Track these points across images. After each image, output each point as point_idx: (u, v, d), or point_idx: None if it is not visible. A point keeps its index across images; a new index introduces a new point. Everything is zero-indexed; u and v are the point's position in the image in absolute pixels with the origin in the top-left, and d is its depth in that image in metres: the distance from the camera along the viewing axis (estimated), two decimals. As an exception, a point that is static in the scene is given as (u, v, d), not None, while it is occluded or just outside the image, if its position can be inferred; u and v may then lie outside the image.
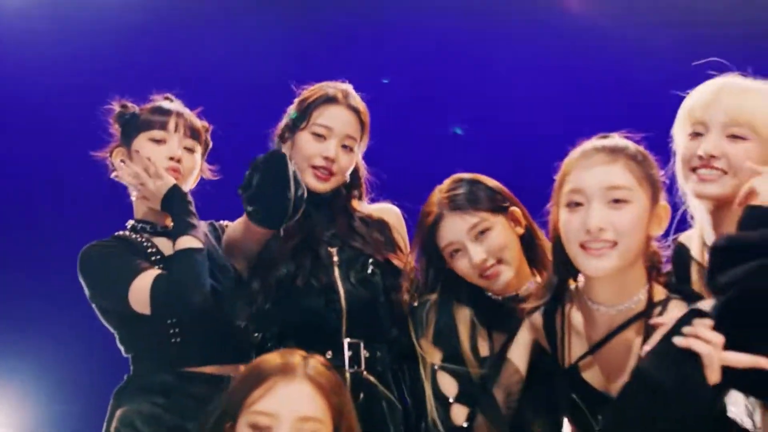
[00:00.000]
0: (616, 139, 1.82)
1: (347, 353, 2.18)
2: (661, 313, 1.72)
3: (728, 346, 1.49)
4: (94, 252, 2.23)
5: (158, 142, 2.31)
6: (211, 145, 2.47)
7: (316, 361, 1.71)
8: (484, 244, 2.08)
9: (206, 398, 1.92)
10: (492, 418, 1.99)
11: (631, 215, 1.70)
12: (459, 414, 2.07)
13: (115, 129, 2.39)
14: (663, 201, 1.80)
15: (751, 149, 1.80)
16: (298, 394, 1.63)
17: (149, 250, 2.25)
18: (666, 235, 1.89)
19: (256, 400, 1.61)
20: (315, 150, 2.27)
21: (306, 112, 2.29)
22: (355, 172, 2.41)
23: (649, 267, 1.79)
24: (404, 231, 2.42)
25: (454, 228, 2.10)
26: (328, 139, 2.27)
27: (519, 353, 1.99)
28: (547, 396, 1.96)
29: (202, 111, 2.42)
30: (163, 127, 2.31)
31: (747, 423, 1.65)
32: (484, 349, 2.14)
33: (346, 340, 2.19)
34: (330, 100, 2.30)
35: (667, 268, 1.91)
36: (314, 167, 2.26)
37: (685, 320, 1.55)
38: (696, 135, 1.88)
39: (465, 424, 2.05)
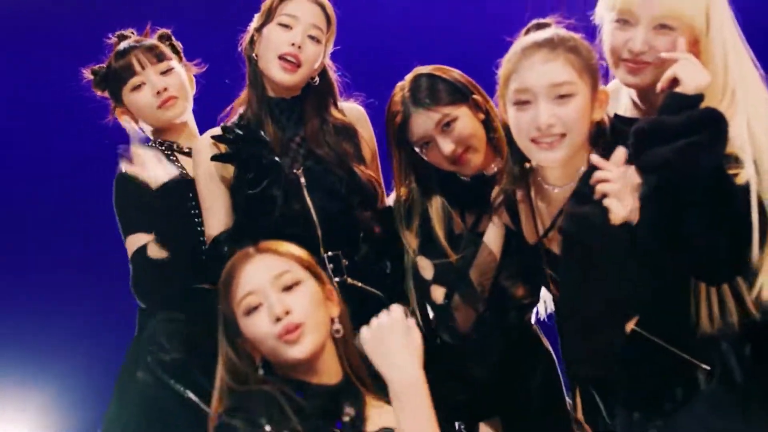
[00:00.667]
0: (554, 31, 1.88)
1: (329, 266, 2.28)
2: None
3: (660, 224, 1.63)
4: (119, 186, 2.38)
5: (138, 87, 2.42)
6: (180, 46, 2.55)
7: (265, 243, 1.86)
8: (451, 135, 2.20)
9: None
10: (467, 297, 2.16)
11: (576, 107, 1.80)
12: (437, 293, 2.24)
13: (103, 94, 2.50)
14: (601, 86, 1.89)
15: (678, 39, 1.81)
16: (263, 265, 1.80)
17: (176, 164, 2.42)
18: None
19: (235, 293, 1.79)
20: (282, 38, 2.29)
21: (272, 8, 2.32)
22: (325, 74, 2.42)
23: (592, 141, 1.89)
24: (370, 133, 2.49)
25: (422, 124, 2.22)
26: (294, 27, 2.29)
27: (493, 237, 2.14)
28: (520, 268, 2.15)
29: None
30: (132, 72, 2.41)
31: None
32: (458, 228, 2.30)
33: (326, 255, 2.29)
34: None
35: None
36: (281, 58, 2.28)
37: (591, 171, 1.70)
38: (624, 23, 1.89)
39: (443, 302, 2.22)
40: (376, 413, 1.78)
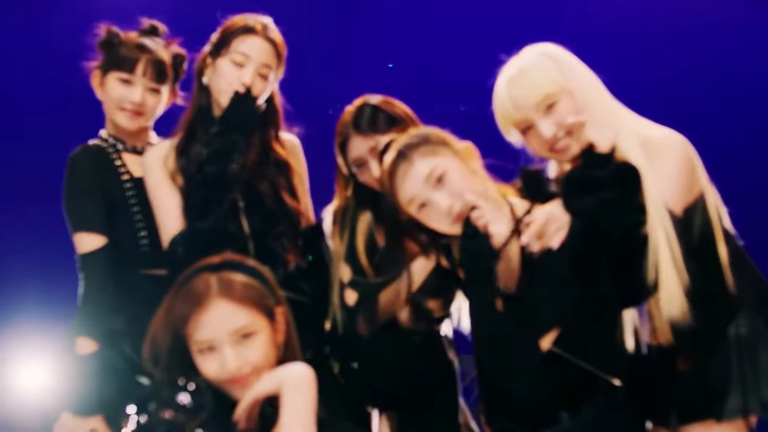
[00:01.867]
0: (395, 145, 2.15)
1: None
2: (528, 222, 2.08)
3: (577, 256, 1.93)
4: (74, 168, 2.47)
5: (125, 82, 2.49)
6: (184, 73, 2.63)
7: (227, 274, 1.90)
8: None
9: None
10: (365, 315, 2.37)
11: (457, 177, 2.06)
12: (350, 297, 2.43)
13: (99, 51, 2.55)
14: (460, 144, 2.15)
15: (567, 103, 2.07)
16: (221, 315, 1.85)
17: (120, 170, 2.51)
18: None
19: (193, 332, 1.86)
20: (234, 75, 2.42)
21: (226, 39, 2.44)
22: (272, 101, 2.56)
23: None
24: (302, 166, 2.66)
25: (357, 147, 2.43)
26: (246, 66, 2.42)
27: (420, 268, 2.32)
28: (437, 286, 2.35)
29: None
30: (131, 69, 2.49)
31: None
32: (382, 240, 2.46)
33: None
34: (249, 30, 2.45)
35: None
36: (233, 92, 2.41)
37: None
38: (527, 129, 2.12)
39: (353, 305, 2.40)
40: None
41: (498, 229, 1.97)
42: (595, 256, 1.92)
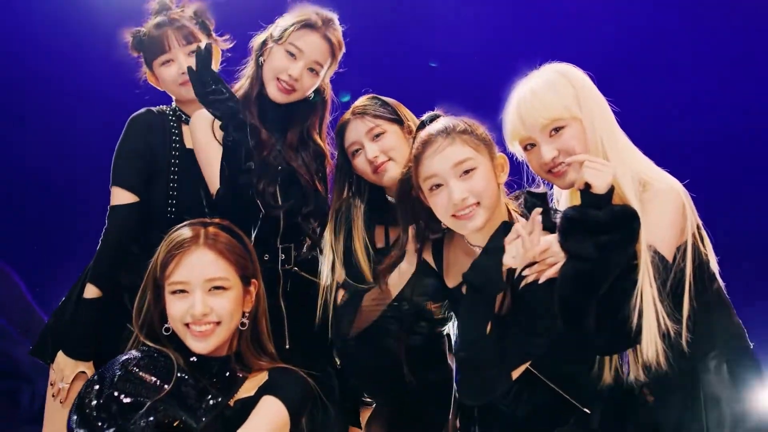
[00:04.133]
0: (444, 120, 2.21)
1: (281, 257, 2.58)
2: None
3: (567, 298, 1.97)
4: (130, 128, 2.62)
5: (167, 63, 2.63)
6: (212, 22, 2.72)
7: (215, 228, 2.09)
8: (378, 143, 2.50)
9: None
10: (340, 318, 2.50)
11: (482, 177, 2.12)
12: (340, 295, 2.55)
13: (136, 54, 2.68)
14: (498, 153, 2.21)
15: (574, 131, 2.11)
16: (202, 261, 2.03)
17: (174, 137, 2.64)
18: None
19: (170, 273, 2.02)
20: (284, 66, 2.53)
21: (288, 29, 2.54)
22: (321, 94, 2.68)
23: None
24: None
25: (354, 129, 2.53)
26: (297, 60, 2.54)
27: (402, 271, 2.41)
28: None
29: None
30: (163, 49, 2.62)
31: None
32: (380, 242, 2.59)
33: (281, 246, 2.59)
34: (310, 26, 2.54)
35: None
36: (279, 80, 2.54)
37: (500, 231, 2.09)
38: (530, 146, 2.18)
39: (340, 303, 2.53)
40: (252, 381, 2.06)
41: (508, 260, 2.01)
42: (584, 303, 1.96)
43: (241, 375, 2.05)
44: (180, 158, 2.64)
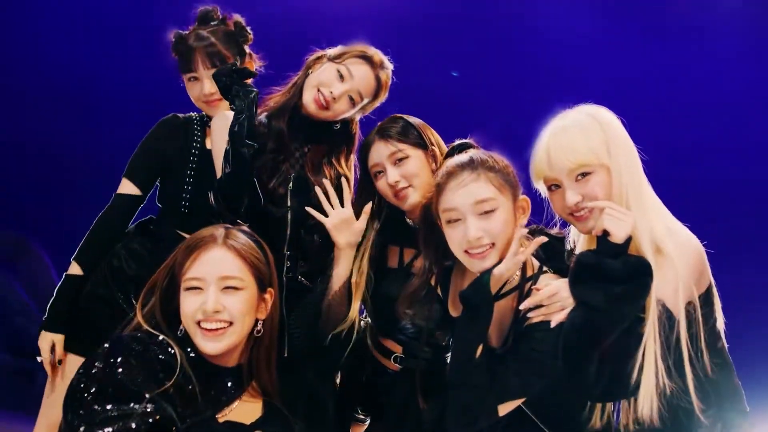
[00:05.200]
0: (473, 153, 2.18)
1: (286, 264, 2.60)
2: (533, 284, 2.11)
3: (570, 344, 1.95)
4: (154, 129, 2.74)
5: (194, 80, 2.68)
6: (250, 38, 2.76)
7: (236, 231, 2.09)
8: (400, 169, 2.48)
9: None
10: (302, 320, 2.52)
11: (501, 219, 2.09)
12: None
13: (175, 56, 2.73)
14: (521, 195, 2.17)
15: (601, 178, 2.10)
16: (219, 259, 2.01)
17: (195, 139, 2.71)
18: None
19: (187, 269, 2.01)
20: (329, 81, 2.57)
21: (346, 52, 2.60)
22: (347, 127, 2.71)
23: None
24: None
25: (378, 151, 2.52)
26: (344, 82, 2.57)
27: (337, 276, 2.47)
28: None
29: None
30: (190, 67, 2.67)
31: None
32: (393, 262, 2.58)
33: (287, 253, 2.61)
34: (366, 58, 2.60)
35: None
36: (319, 91, 2.57)
37: None
38: (555, 187, 2.17)
39: None
40: (244, 405, 2.03)
41: (499, 271, 2.02)
42: (588, 352, 1.94)
43: (233, 392, 2.01)
44: (198, 157, 2.71)
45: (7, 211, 5.04)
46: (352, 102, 2.61)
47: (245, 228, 2.15)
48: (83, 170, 4.54)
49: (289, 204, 2.60)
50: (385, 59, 2.66)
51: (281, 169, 2.60)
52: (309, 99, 2.59)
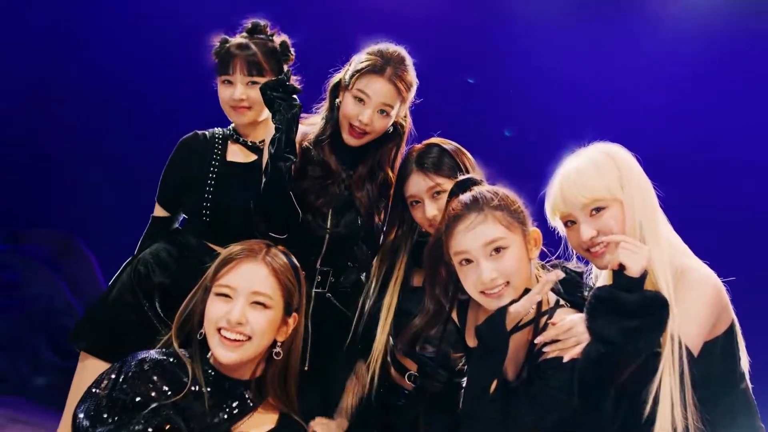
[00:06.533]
0: (477, 192, 2.14)
1: (317, 278, 2.64)
2: (549, 318, 2.10)
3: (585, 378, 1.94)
4: (175, 152, 2.83)
5: (227, 83, 2.73)
6: (292, 58, 2.81)
7: (277, 251, 2.14)
8: (438, 202, 2.48)
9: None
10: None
11: (513, 257, 2.05)
12: None
13: (215, 60, 2.80)
14: (531, 227, 2.14)
15: (615, 212, 2.10)
16: (254, 273, 2.06)
17: (216, 154, 2.79)
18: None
19: (222, 276, 2.06)
20: (354, 112, 2.58)
21: (353, 76, 2.58)
22: (397, 127, 2.70)
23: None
24: None
25: (416, 184, 2.53)
26: (366, 104, 2.56)
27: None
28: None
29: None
30: (227, 71, 2.72)
31: None
32: (418, 281, 2.57)
33: (319, 268, 2.65)
34: (374, 71, 2.55)
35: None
36: (351, 126, 2.59)
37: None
38: (571, 223, 2.17)
39: None
40: (259, 417, 2.06)
41: (514, 310, 1.99)
42: (604, 387, 1.93)
43: (251, 404, 2.05)
44: (218, 169, 2.77)
45: (57, 210, 5.16)
46: (385, 113, 2.59)
47: (286, 251, 2.18)
48: (131, 172, 4.61)
49: (329, 224, 2.63)
50: (392, 52, 2.59)
51: (329, 191, 2.63)
52: (347, 137, 2.62)
